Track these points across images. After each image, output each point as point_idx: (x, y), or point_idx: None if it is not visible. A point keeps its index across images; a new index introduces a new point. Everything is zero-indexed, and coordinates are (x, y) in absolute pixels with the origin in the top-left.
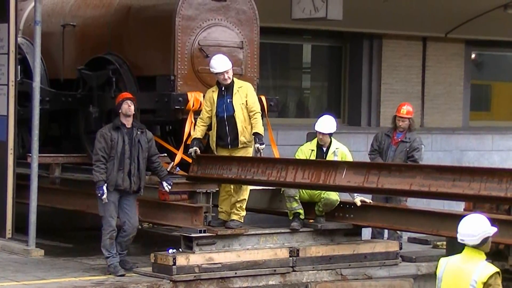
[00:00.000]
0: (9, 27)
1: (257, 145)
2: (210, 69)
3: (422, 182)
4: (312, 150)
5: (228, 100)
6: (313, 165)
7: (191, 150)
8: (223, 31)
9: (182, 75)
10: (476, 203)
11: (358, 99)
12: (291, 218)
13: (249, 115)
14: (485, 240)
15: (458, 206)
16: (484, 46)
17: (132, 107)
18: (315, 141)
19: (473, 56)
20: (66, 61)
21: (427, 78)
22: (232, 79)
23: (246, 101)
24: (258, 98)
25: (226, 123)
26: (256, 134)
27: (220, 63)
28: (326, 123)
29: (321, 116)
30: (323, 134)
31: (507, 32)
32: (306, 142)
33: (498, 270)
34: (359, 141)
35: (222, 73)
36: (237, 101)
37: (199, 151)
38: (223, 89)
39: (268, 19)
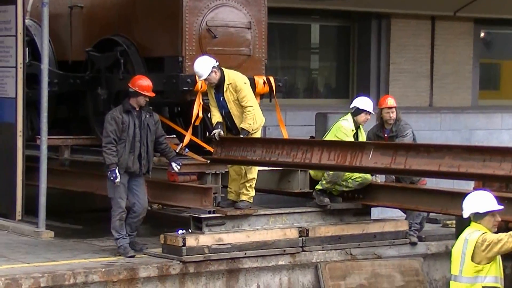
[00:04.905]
0: (17, 9)
1: (241, 135)
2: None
3: (451, 163)
4: (353, 130)
5: (221, 98)
6: (339, 146)
7: (215, 131)
8: (230, 12)
9: (190, 56)
10: (490, 182)
11: (366, 79)
12: (318, 192)
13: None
14: (475, 215)
15: (467, 185)
16: (493, 25)
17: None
18: (351, 120)
19: (482, 34)
20: (74, 42)
21: (435, 57)
22: (222, 75)
23: (238, 97)
24: (267, 78)
25: (226, 118)
26: (241, 128)
27: (201, 70)
28: (371, 102)
29: (359, 98)
30: (371, 114)
31: None
32: (340, 121)
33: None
34: (368, 121)
35: (206, 79)
36: (229, 97)
37: (222, 133)
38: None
39: None
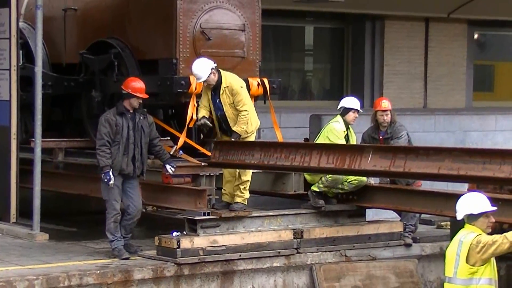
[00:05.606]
0: (11, 11)
1: (232, 139)
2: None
3: (451, 166)
4: (344, 131)
5: (217, 100)
6: (337, 150)
7: (201, 120)
8: (224, 14)
9: (184, 58)
10: (490, 184)
11: (360, 80)
12: (313, 193)
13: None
14: (469, 217)
15: (462, 187)
16: (487, 26)
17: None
18: (342, 121)
19: (476, 36)
20: (68, 45)
21: (429, 59)
22: (220, 78)
23: (233, 101)
24: (261, 80)
25: (222, 120)
26: (233, 131)
27: (200, 72)
28: (357, 100)
29: (345, 98)
30: (358, 111)
31: (510, 12)
32: (331, 123)
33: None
34: (362, 123)
35: (205, 81)
36: (225, 100)
37: (209, 123)
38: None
39: (270, 1)
